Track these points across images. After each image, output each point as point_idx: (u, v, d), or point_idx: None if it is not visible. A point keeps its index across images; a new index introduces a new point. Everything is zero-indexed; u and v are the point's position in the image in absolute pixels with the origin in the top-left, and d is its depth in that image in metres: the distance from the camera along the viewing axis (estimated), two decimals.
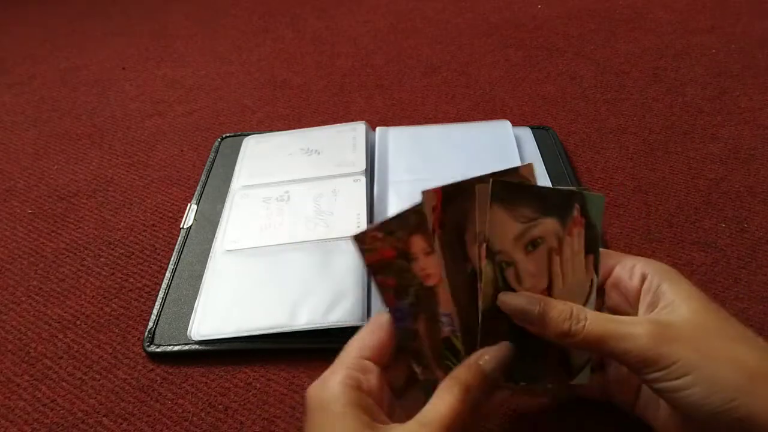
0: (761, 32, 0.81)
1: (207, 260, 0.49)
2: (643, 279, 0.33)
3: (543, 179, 0.55)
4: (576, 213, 0.32)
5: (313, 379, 0.40)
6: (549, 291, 0.32)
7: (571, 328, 0.30)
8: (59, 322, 0.47)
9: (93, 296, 0.49)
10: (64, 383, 0.42)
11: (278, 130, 0.65)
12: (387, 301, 0.31)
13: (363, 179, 0.54)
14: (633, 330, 0.29)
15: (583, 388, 0.34)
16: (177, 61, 0.85)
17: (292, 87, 0.76)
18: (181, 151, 0.65)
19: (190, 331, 0.43)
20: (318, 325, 0.42)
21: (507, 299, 0.31)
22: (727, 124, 0.64)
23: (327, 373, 0.30)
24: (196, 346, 0.43)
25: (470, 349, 0.31)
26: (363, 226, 0.49)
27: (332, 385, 0.29)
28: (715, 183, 0.56)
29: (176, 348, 0.43)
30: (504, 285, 0.31)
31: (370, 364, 0.30)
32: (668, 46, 0.80)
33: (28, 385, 0.42)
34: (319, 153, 0.58)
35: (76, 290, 0.49)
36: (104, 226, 0.56)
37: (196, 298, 0.46)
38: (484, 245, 0.31)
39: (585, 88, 0.72)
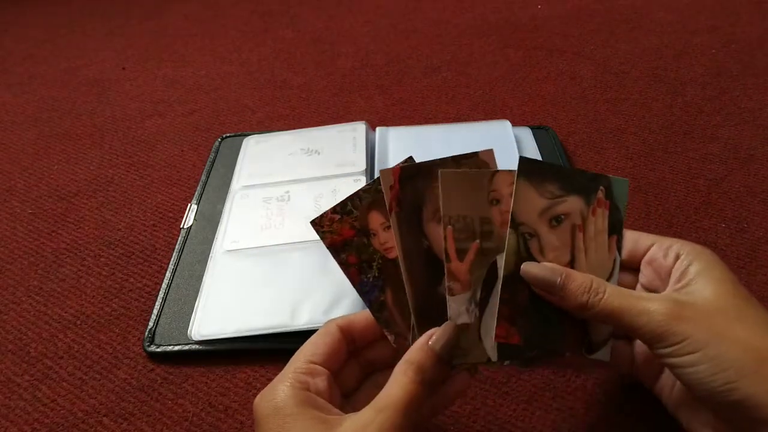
0: (761, 32, 0.81)
1: (207, 260, 0.49)
2: (677, 258, 0.33)
3: None
4: (601, 195, 0.34)
5: None
6: (571, 266, 0.33)
7: (589, 301, 0.31)
8: (59, 322, 0.47)
9: (93, 296, 0.49)
10: (64, 383, 0.42)
11: (278, 130, 0.65)
12: (351, 278, 0.33)
13: (363, 179, 0.54)
14: (649, 306, 0.29)
15: (606, 364, 0.34)
16: (177, 61, 0.85)
17: (292, 87, 0.76)
18: (181, 151, 0.65)
19: (191, 332, 0.43)
20: (318, 325, 0.42)
21: (530, 268, 0.32)
22: (726, 124, 0.64)
23: (274, 380, 0.30)
24: (197, 346, 0.43)
25: (422, 323, 0.32)
26: None
27: (281, 389, 0.29)
28: (714, 183, 0.56)
29: (176, 348, 0.43)
30: (527, 255, 0.32)
31: (318, 368, 0.30)
32: (668, 46, 0.80)
33: (29, 385, 0.42)
34: (319, 153, 0.58)
35: (76, 290, 0.49)
36: (104, 226, 0.56)
37: (196, 298, 0.46)
38: (449, 227, 0.32)
39: (585, 88, 0.72)
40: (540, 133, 0.62)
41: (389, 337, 0.32)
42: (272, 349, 0.43)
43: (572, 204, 0.33)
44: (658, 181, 0.57)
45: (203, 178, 0.59)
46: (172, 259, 0.50)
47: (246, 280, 0.46)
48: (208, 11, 1.00)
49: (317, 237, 0.49)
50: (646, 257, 0.35)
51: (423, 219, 0.33)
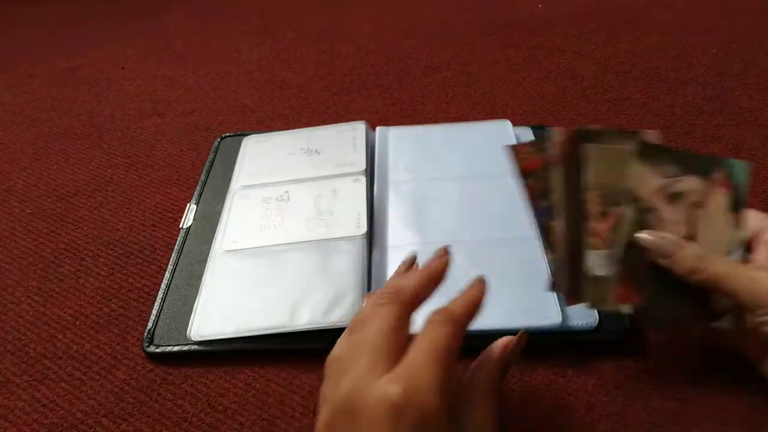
0: (761, 32, 0.81)
1: (206, 260, 0.49)
2: None
3: None
4: (721, 175, 0.36)
5: (312, 379, 0.40)
6: (690, 239, 0.35)
7: (698, 266, 0.33)
8: (58, 323, 0.47)
9: (92, 296, 0.49)
10: (63, 384, 0.42)
11: (278, 129, 0.65)
12: (530, 200, 0.37)
13: (363, 179, 0.54)
14: (755, 274, 0.32)
15: (724, 335, 0.37)
16: (176, 61, 0.85)
17: (292, 87, 0.76)
18: (181, 150, 0.65)
19: (190, 332, 0.43)
20: (318, 325, 0.42)
21: (645, 235, 0.35)
22: (728, 123, 0.64)
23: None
24: (196, 347, 0.43)
25: (572, 265, 0.36)
26: (363, 226, 0.49)
27: None
28: None
29: (176, 348, 0.43)
30: (646, 227, 0.36)
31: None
32: (669, 45, 0.79)
33: (28, 386, 0.42)
34: (319, 153, 0.58)
35: (75, 290, 0.49)
36: (103, 226, 0.55)
37: (195, 298, 0.46)
38: (593, 192, 0.36)
39: (586, 87, 0.72)
40: (540, 132, 0.62)
41: (548, 256, 0.38)
42: (272, 350, 0.43)
43: (690, 183, 0.36)
44: None
45: (202, 177, 0.59)
46: (171, 260, 0.50)
47: (245, 281, 0.46)
48: (207, 11, 1.00)
49: (316, 237, 0.49)
50: (763, 237, 0.36)
51: (582, 175, 0.37)
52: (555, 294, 0.41)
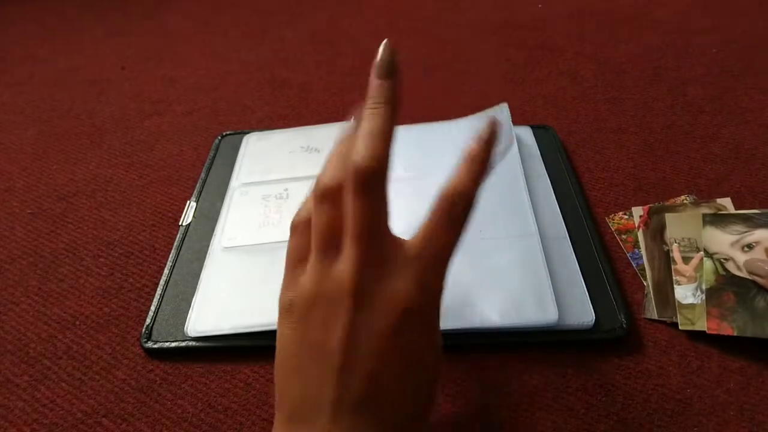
0: (762, 32, 0.81)
1: (205, 258, 0.49)
2: None
3: (542, 179, 0.55)
4: None
5: None
6: None
7: None
8: (58, 323, 0.47)
9: (92, 296, 0.49)
10: (63, 383, 0.42)
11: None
12: (625, 248, 0.49)
13: None
14: None
15: None
16: (176, 61, 0.85)
17: (292, 87, 0.76)
18: (181, 150, 0.65)
19: (187, 327, 0.43)
20: None
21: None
22: (728, 123, 0.64)
23: None
24: (193, 343, 0.43)
25: (659, 299, 0.44)
26: None
27: None
28: (716, 183, 0.56)
29: (173, 344, 0.43)
30: (725, 272, 0.43)
31: None
32: (669, 45, 0.79)
33: (27, 386, 0.42)
34: (319, 151, 0.58)
35: (75, 290, 0.49)
36: (103, 226, 0.55)
37: (193, 294, 0.46)
38: (675, 244, 0.47)
39: (585, 87, 0.72)
40: (540, 132, 0.62)
41: (644, 283, 0.46)
42: (271, 349, 0.43)
43: (760, 234, 0.44)
44: (659, 180, 0.56)
45: (203, 175, 0.59)
46: (170, 257, 0.50)
47: (243, 278, 0.46)
48: (207, 10, 1.00)
49: None
50: None
51: (664, 233, 0.48)
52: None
